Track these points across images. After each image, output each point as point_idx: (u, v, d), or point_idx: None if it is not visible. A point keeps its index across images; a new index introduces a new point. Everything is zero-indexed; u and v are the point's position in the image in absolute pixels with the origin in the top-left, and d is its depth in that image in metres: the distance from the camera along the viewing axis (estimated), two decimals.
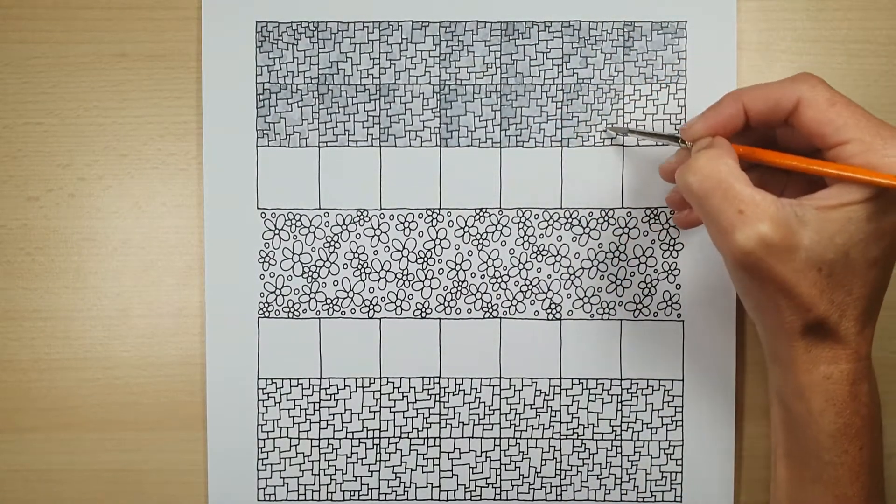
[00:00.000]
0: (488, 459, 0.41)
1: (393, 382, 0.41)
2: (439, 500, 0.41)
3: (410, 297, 0.41)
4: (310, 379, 0.41)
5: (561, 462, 0.41)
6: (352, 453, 0.41)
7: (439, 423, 0.41)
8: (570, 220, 0.41)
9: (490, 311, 0.41)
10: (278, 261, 0.41)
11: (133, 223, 0.41)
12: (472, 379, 0.41)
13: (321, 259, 0.41)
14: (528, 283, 0.41)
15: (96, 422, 0.41)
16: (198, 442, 0.41)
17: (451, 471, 0.41)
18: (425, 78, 0.41)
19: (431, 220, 0.41)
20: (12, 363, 0.41)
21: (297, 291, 0.41)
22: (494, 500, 0.41)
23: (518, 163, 0.41)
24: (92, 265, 0.41)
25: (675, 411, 0.41)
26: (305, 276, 0.41)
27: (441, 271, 0.41)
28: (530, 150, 0.41)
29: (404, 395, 0.41)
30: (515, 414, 0.41)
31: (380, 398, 0.41)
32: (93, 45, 0.41)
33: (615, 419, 0.41)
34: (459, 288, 0.41)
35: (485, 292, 0.41)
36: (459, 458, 0.41)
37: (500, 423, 0.41)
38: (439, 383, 0.41)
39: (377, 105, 0.41)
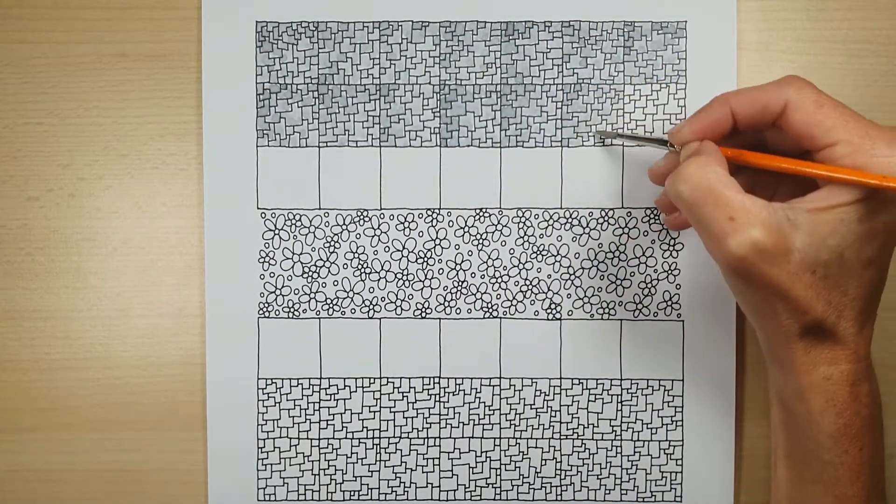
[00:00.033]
0: (488, 459, 0.41)
1: (393, 382, 0.41)
2: (439, 500, 0.41)
3: (410, 297, 0.41)
4: (310, 379, 0.41)
5: (561, 462, 0.41)
6: (352, 453, 0.41)
7: (439, 423, 0.41)
8: (570, 220, 0.41)
9: (490, 311, 0.41)
10: (278, 261, 0.41)
11: (133, 223, 0.41)
12: (472, 379, 0.41)
13: (321, 259, 0.41)
14: (528, 283, 0.41)
15: (96, 422, 0.41)
16: (198, 442, 0.41)
17: (451, 471, 0.41)
18: (425, 78, 0.41)
19: (431, 220, 0.41)
20: (12, 363, 0.41)
21: (297, 291, 0.41)
22: (494, 500, 0.41)
23: (518, 163, 0.41)
24: (92, 265, 0.41)
25: (675, 411, 0.41)
26: (305, 276, 0.41)
27: (441, 271, 0.41)
28: (530, 150, 0.41)
29: (404, 395, 0.41)
30: (515, 414, 0.41)
31: (380, 398, 0.41)
32: (93, 45, 0.41)
33: (615, 419, 0.41)
34: (459, 288, 0.41)
35: (485, 292, 0.41)
36: (459, 458, 0.41)
37: (500, 423, 0.41)
38: (439, 383, 0.41)
39: (377, 105, 0.41)
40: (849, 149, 0.30)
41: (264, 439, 0.41)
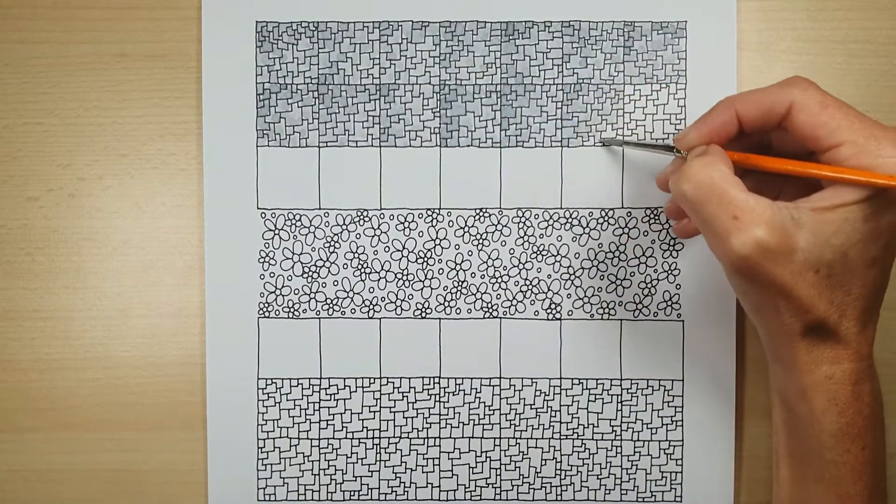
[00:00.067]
0: (488, 459, 0.41)
1: (393, 382, 0.41)
2: (439, 500, 0.41)
3: (410, 297, 0.41)
4: (310, 379, 0.41)
5: (561, 462, 0.41)
6: (352, 453, 0.41)
7: (439, 423, 0.41)
8: (570, 220, 0.41)
9: (490, 311, 0.41)
10: (278, 261, 0.41)
11: (133, 223, 0.41)
12: (472, 379, 0.41)
13: (321, 259, 0.41)
14: (528, 283, 0.41)
15: (96, 422, 0.41)
16: (198, 442, 0.41)
17: (451, 471, 0.41)
18: (425, 78, 0.41)
19: (431, 220, 0.41)
20: (12, 363, 0.41)
21: (297, 291, 0.41)
22: (494, 500, 0.41)
23: (518, 163, 0.41)
24: (92, 265, 0.41)
25: (675, 411, 0.41)
26: (305, 276, 0.41)
27: (441, 271, 0.41)
28: (530, 150, 0.41)
29: (404, 395, 0.41)
30: (515, 414, 0.41)
31: (380, 398, 0.41)
32: (93, 45, 0.41)
33: (615, 419, 0.41)
34: (459, 288, 0.41)
35: (485, 292, 0.41)
36: (459, 458, 0.41)
37: (500, 423, 0.41)
38: (439, 383, 0.41)
39: (377, 105, 0.41)
40: (854, 149, 0.30)
41: (264, 439, 0.41)
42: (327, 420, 0.41)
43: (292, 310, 0.41)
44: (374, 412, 0.41)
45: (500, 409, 0.41)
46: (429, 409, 0.41)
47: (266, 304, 0.41)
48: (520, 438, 0.41)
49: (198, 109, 0.41)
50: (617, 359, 0.41)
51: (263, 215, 0.41)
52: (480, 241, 0.41)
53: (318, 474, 0.41)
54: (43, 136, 0.41)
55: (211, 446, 0.41)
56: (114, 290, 0.41)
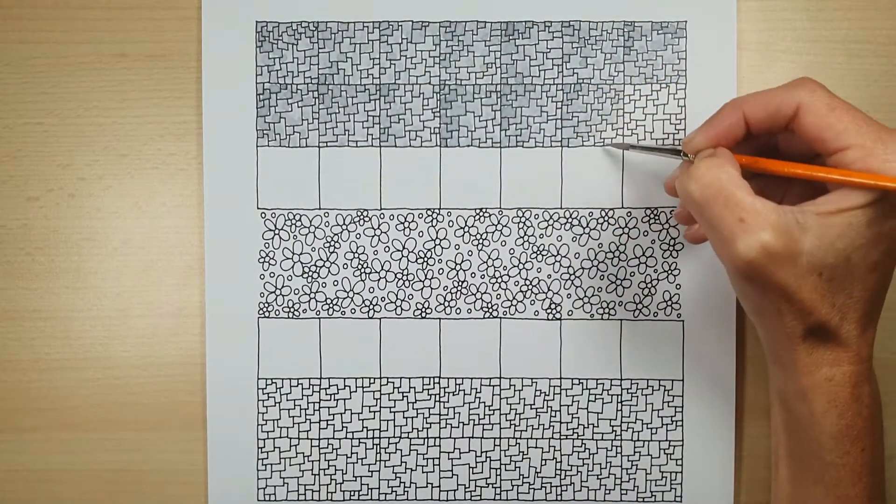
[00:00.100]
0: (488, 459, 0.41)
1: (393, 382, 0.41)
2: (439, 500, 0.41)
3: (410, 297, 0.41)
4: (310, 379, 0.41)
5: (561, 462, 0.41)
6: (352, 453, 0.41)
7: (439, 423, 0.41)
8: (570, 220, 0.41)
9: (490, 311, 0.41)
10: (278, 261, 0.41)
11: (133, 223, 0.41)
12: (472, 379, 0.41)
13: (321, 259, 0.41)
14: (528, 283, 0.41)
15: (96, 422, 0.41)
16: (198, 442, 0.41)
17: (451, 471, 0.41)
18: (425, 78, 0.41)
19: (431, 220, 0.41)
20: (12, 363, 0.41)
21: (297, 291, 0.41)
22: (494, 500, 0.41)
23: (518, 163, 0.41)
24: (92, 265, 0.41)
25: (675, 411, 0.41)
26: (305, 276, 0.41)
27: (441, 271, 0.41)
28: (530, 150, 0.41)
29: (404, 395, 0.41)
30: (515, 414, 0.41)
31: (380, 398, 0.41)
32: (93, 45, 0.41)
33: (615, 419, 0.41)
34: (459, 288, 0.41)
35: (485, 292, 0.41)
36: (459, 458, 0.41)
37: (500, 423, 0.41)
38: (439, 383, 0.41)
39: (377, 105, 0.41)
40: (861, 153, 0.30)
41: (264, 439, 0.41)
42: (327, 420, 0.41)
43: (292, 310, 0.41)
44: (374, 412, 0.41)
45: (500, 409, 0.41)
46: (429, 409, 0.41)
47: (266, 304, 0.41)
48: (520, 438, 0.41)
49: (198, 109, 0.41)
50: (617, 359, 0.41)
51: (263, 215, 0.41)
52: (480, 241, 0.41)
53: (318, 474, 0.41)
54: (43, 136, 0.41)
55: (211, 446, 0.41)
56: (114, 290, 0.41)
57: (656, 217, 0.41)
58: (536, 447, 0.41)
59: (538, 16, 0.40)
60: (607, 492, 0.41)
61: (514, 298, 0.41)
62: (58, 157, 0.41)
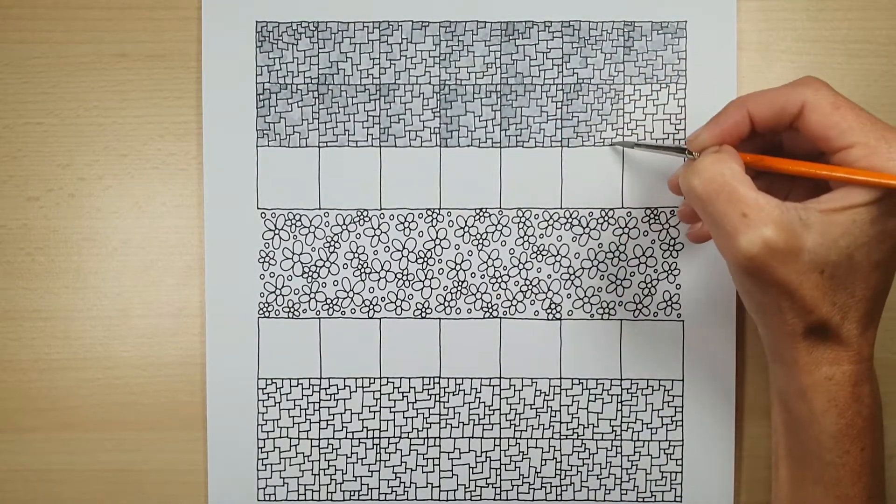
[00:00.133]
0: (488, 459, 0.41)
1: (393, 382, 0.41)
2: (439, 500, 0.41)
3: (410, 297, 0.41)
4: (310, 379, 0.41)
5: (561, 462, 0.41)
6: (352, 453, 0.41)
7: (439, 423, 0.41)
8: (570, 220, 0.41)
9: (490, 311, 0.41)
10: (278, 261, 0.41)
11: (133, 223, 0.41)
12: (472, 379, 0.41)
13: (321, 259, 0.41)
14: (528, 283, 0.41)
15: (96, 422, 0.41)
16: (198, 442, 0.41)
17: (451, 471, 0.41)
18: (425, 78, 0.41)
19: (431, 220, 0.41)
20: (12, 363, 0.41)
21: (297, 291, 0.41)
22: (494, 500, 0.41)
23: (518, 163, 0.41)
24: (92, 265, 0.41)
25: (675, 411, 0.41)
26: (305, 276, 0.41)
27: (441, 271, 0.41)
28: (530, 150, 0.41)
29: (404, 395, 0.41)
30: (515, 414, 0.41)
31: (380, 398, 0.41)
32: (93, 45, 0.41)
33: (615, 419, 0.41)
34: (459, 288, 0.41)
35: (485, 292, 0.41)
36: (459, 458, 0.41)
37: (500, 423, 0.41)
38: (439, 383, 0.41)
39: (377, 105, 0.41)
40: (865, 151, 0.30)
41: (264, 439, 0.41)
42: (327, 420, 0.41)
43: (292, 310, 0.41)
44: (374, 412, 0.41)
45: (500, 409, 0.41)
46: (429, 409, 0.41)
47: (266, 304, 0.41)
48: (520, 438, 0.41)
49: (198, 109, 0.41)
50: (617, 359, 0.41)
51: (263, 215, 0.41)
52: (480, 241, 0.41)
53: (318, 474, 0.41)
54: (43, 136, 0.41)
55: (211, 446, 0.41)
56: (114, 290, 0.41)
57: (656, 217, 0.41)
58: (536, 447, 0.41)
59: (538, 16, 0.40)
60: (607, 492, 0.41)
61: (514, 298, 0.41)
62: (58, 157, 0.41)
